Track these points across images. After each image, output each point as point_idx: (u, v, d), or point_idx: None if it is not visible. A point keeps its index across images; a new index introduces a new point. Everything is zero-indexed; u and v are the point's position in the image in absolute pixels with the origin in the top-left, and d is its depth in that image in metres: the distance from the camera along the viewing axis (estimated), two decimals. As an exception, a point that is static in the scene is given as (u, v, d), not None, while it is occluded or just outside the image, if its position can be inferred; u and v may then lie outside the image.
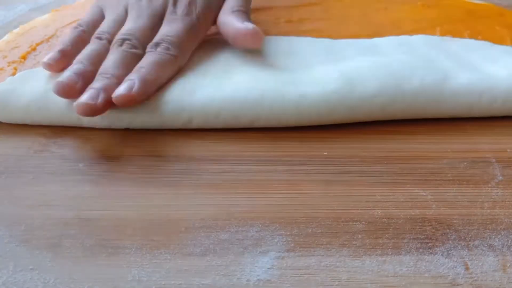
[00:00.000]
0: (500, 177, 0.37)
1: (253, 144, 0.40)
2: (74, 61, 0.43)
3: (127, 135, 0.41)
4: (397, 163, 0.38)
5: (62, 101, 0.41)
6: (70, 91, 0.41)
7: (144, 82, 0.41)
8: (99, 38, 0.46)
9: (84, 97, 0.40)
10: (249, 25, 0.46)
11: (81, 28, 0.48)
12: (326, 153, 0.39)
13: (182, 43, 0.45)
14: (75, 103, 0.39)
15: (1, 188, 0.36)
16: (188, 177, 0.37)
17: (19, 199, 0.35)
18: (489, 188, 0.36)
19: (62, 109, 0.41)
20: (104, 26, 0.47)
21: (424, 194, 0.36)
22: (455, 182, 0.37)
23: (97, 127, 0.42)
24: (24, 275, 0.30)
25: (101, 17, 0.49)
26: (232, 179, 0.37)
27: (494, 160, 0.38)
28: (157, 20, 0.47)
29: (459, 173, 0.37)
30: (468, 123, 0.42)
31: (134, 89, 0.40)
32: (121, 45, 0.44)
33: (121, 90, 0.40)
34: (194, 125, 0.41)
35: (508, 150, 0.40)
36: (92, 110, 0.39)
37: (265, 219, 0.34)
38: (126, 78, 0.41)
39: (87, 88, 0.41)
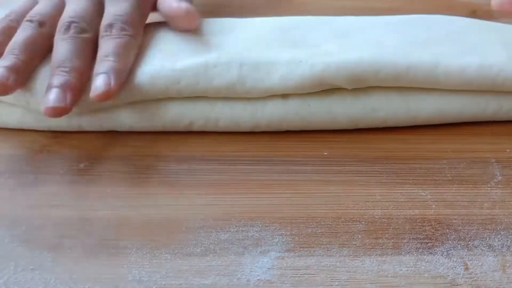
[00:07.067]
0: (500, 177, 0.37)
1: (253, 144, 0.40)
2: (5, 51, 0.40)
3: (127, 135, 0.41)
4: (397, 163, 0.38)
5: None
6: (3, 89, 0.38)
7: (118, 73, 0.38)
8: (30, 21, 0.41)
9: (52, 100, 0.37)
10: (182, 5, 0.43)
11: (9, 18, 0.43)
12: (326, 153, 0.39)
13: (133, 21, 0.42)
14: (43, 106, 0.37)
15: (2, 188, 0.36)
16: (188, 177, 0.37)
17: (20, 199, 0.35)
18: (489, 188, 0.36)
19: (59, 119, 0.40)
20: (36, 9, 0.43)
21: (424, 194, 0.36)
22: (454, 182, 0.37)
23: (97, 130, 0.42)
24: (25, 275, 0.30)
25: (34, 6, 0.45)
26: (232, 179, 0.37)
27: (493, 160, 0.39)
28: (99, 1, 0.44)
29: (458, 173, 0.37)
30: (468, 124, 0.42)
31: (112, 84, 0.38)
32: (68, 29, 0.40)
33: (98, 87, 0.37)
34: (195, 128, 0.41)
35: (507, 150, 0.40)
36: (62, 112, 0.38)
37: (265, 219, 0.34)
38: (96, 71, 0.39)
39: (49, 87, 0.38)
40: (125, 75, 0.39)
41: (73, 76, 0.39)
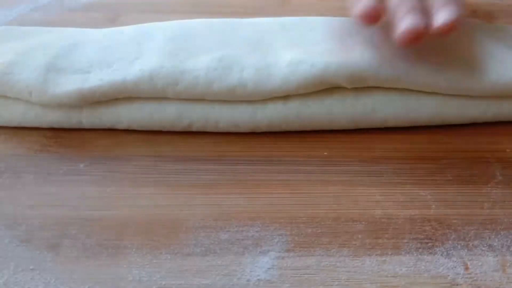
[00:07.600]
0: (500, 177, 0.37)
1: (253, 144, 0.40)
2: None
3: (127, 135, 0.41)
4: (397, 163, 0.38)
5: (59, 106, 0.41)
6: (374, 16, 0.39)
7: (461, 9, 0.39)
8: None
9: (409, 22, 0.38)
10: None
11: None
12: (326, 153, 0.39)
13: None
14: (401, 30, 0.38)
15: (2, 188, 0.36)
16: (188, 177, 0.37)
17: (20, 199, 0.35)
18: (489, 188, 0.36)
19: (60, 114, 0.41)
20: None
21: (424, 194, 0.36)
22: (454, 182, 0.37)
23: (96, 128, 0.42)
24: (25, 275, 0.30)
25: None
26: (232, 179, 0.37)
27: (493, 160, 0.39)
28: None
29: (458, 173, 0.37)
30: (468, 124, 0.42)
31: (457, 15, 0.38)
32: None
33: (446, 17, 0.38)
34: (195, 129, 0.41)
35: (507, 150, 0.40)
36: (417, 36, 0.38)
37: (265, 219, 0.34)
38: (440, 7, 0.39)
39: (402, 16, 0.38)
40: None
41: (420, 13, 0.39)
